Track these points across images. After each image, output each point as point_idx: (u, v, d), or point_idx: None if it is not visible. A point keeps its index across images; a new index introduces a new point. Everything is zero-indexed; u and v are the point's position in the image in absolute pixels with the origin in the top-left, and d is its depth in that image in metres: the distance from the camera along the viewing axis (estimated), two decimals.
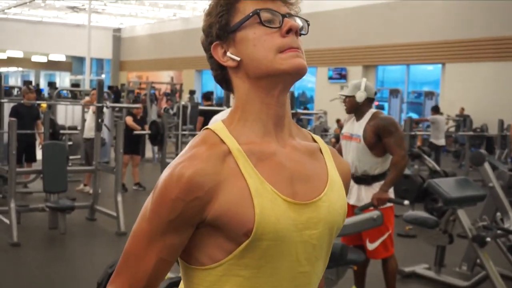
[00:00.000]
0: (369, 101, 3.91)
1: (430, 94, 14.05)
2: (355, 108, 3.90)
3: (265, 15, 1.07)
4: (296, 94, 19.82)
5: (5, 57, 27.93)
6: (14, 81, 31.53)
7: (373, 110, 3.94)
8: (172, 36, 24.50)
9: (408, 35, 15.69)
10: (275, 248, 1.04)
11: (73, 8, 23.14)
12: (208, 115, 9.37)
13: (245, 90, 1.10)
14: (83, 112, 9.07)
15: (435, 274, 4.90)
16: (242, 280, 1.05)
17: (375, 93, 4.00)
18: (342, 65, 17.66)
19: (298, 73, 1.08)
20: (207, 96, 10.36)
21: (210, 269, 1.06)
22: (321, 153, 1.19)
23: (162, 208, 1.03)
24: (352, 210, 3.82)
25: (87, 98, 8.52)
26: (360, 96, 3.82)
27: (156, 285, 1.09)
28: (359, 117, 3.90)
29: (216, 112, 8.98)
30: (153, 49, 25.75)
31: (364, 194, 3.86)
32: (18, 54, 27.46)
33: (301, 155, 1.13)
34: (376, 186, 3.83)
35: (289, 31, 1.07)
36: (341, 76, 17.53)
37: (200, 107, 9.48)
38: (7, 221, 5.64)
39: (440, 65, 16.03)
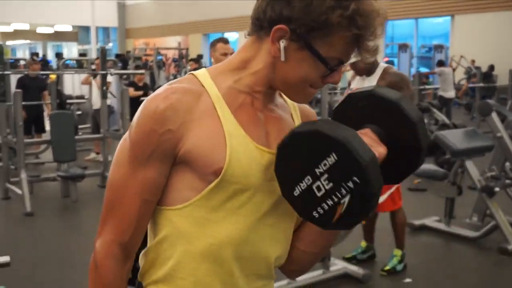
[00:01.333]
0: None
1: (439, 48, 13.83)
2: (365, 68, 3.81)
3: (334, 62, 1.03)
4: None
5: (11, 30, 27.84)
6: (22, 53, 31.53)
7: (383, 65, 3.90)
8: (177, 1, 24.22)
9: None
10: (242, 194, 1.04)
11: None
12: None
13: (263, 58, 1.06)
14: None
15: (445, 226, 4.92)
16: (208, 223, 1.04)
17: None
18: None
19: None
20: (197, 59, 10.31)
21: (178, 209, 1.05)
22: (287, 104, 1.20)
23: (136, 144, 1.03)
24: None
25: (86, 75, 8.48)
26: None
27: (143, 228, 1.08)
28: (369, 72, 3.83)
29: None
30: (158, 15, 25.51)
31: None
32: (24, 26, 27.32)
33: (274, 107, 1.13)
34: None
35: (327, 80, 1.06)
36: None
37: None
38: (19, 191, 5.72)
39: (449, 18, 15.74)
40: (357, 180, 0.94)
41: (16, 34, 29.59)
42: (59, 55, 15.74)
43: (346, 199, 0.95)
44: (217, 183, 1.01)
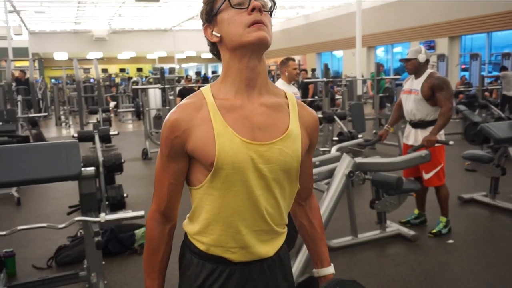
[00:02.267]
0: (426, 62, 3.69)
1: (507, 55, 12.43)
2: (417, 69, 3.67)
3: (235, 1, 1.06)
4: (399, 65, 18.78)
5: (184, 56, 29.70)
6: (191, 72, 33.48)
7: (429, 70, 3.71)
8: (297, 29, 24.21)
9: (486, 7, 13.90)
10: (233, 175, 1.05)
11: None
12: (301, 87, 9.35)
13: (226, 59, 1.10)
14: None
15: (491, 199, 4.48)
16: (215, 198, 1.08)
17: (431, 56, 3.79)
18: (430, 38, 16.20)
19: (260, 43, 1.05)
20: (312, 71, 10.25)
21: (198, 189, 1.11)
22: (288, 107, 1.14)
23: (162, 146, 1.11)
24: (409, 149, 3.68)
25: None
26: (422, 58, 3.64)
27: (174, 204, 1.16)
28: (418, 76, 3.69)
29: (307, 83, 8.95)
30: (283, 40, 25.71)
31: (420, 136, 3.68)
32: (192, 53, 29.03)
33: (265, 109, 1.10)
34: (429, 130, 3.61)
35: (253, 9, 1.04)
36: (430, 47, 16.10)
37: (305, 80, 9.50)
38: None
39: None
40: None
41: (188, 59, 31.50)
42: (214, 73, 16.54)
43: None
44: (213, 171, 1.05)
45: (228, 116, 1.07)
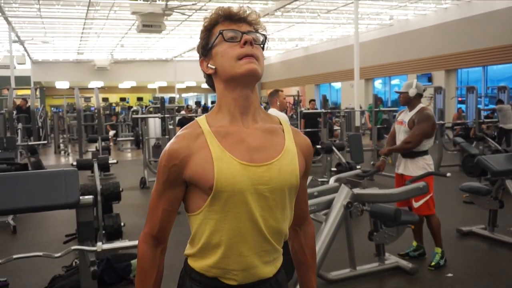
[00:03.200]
0: (418, 96, 3.81)
1: (502, 89, 12.64)
2: (407, 101, 3.82)
3: (228, 34, 1.11)
4: (396, 96, 18.96)
5: (185, 86, 30.04)
6: (191, 102, 33.79)
7: (421, 105, 3.83)
8: (296, 61, 24.61)
9: (482, 41, 14.19)
10: (234, 198, 1.07)
11: None
12: (308, 117, 9.41)
13: (220, 89, 1.15)
14: None
15: (490, 232, 4.45)
16: (215, 222, 1.09)
17: (424, 90, 3.89)
18: (427, 71, 16.46)
19: (250, 74, 1.09)
20: (311, 101, 10.42)
21: (197, 214, 1.12)
22: (283, 132, 1.18)
23: (159, 175, 1.14)
24: (401, 178, 3.82)
25: None
26: (412, 92, 3.77)
27: (167, 228, 1.17)
28: (411, 109, 3.83)
29: (315, 114, 9.08)
30: (283, 72, 26.09)
31: (409, 166, 3.78)
32: (192, 83, 29.37)
33: (260, 133, 1.13)
34: (418, 160, 3.72)
35: (245, 43, 1.09)
36: (428, 79, 16.36)
37: (303, 111, 9.56)
38: None
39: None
40: None
41: (188, 89, 31.83)
42: (213, 102, 16.68)
43: None
44: (213, 194, 1.06)
45: (224, 142, 1.09)
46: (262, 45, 1.15)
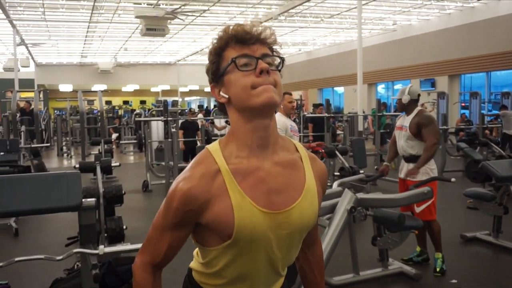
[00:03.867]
0: (413, 101, 3.85)
1: (506, 94, 12.59)
2: (403, 107, 3.88)
3: (241, 61, 1.01)
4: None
5: (187, 90, 30.09)
6: (194, 105, 33.82)
7: (419, 108, 3.88)
8: (299, 65, 24.63)
9: (485, 47, 14.17)
10: (252, 243, 1.02)
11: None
12: (316, 121, 9.36)
13: (235, 119, 1.05)
14: None
15: (494, 238, 4.41)
16: (231, 258, 1.04)
17: (419, 95, 3.91)
18: (430, 76, 16.43)
19: (267, 105, 1.00)
20: (317, 105, 10.37)
21: (209, 250, 1.06)
22: (302, 161, 1.10)
23: (168, 212, 1.04)
24: (404, 183, 3.82)
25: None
26: (405, 99, 3.83)
27: (170, 259, 1.10)
28: (408, 113, 3.88)
29: (321, 118, 9.05)
30: (286, 76, 26.06)
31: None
32: (195, 87, 29.41)
33: (280, 169, 1.05)
34: None
35: (261, 72, 0.99)
36: (431, 84, 16.33)
37: (308, 115, 9.48)
38: None
39: None
40: None
41: (190, 93, 31.89)
42: (216, 106, 16.65)
43: None
44: (230, 242, 1.01)
45: (244, 184, 1.01)
46: (279, 68, 1.05)
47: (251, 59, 1.01)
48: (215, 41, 1.05)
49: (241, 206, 0.99)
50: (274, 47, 1.06)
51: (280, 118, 4.12)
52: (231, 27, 1.04)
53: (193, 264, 1.16)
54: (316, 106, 9.86)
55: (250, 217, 1.00)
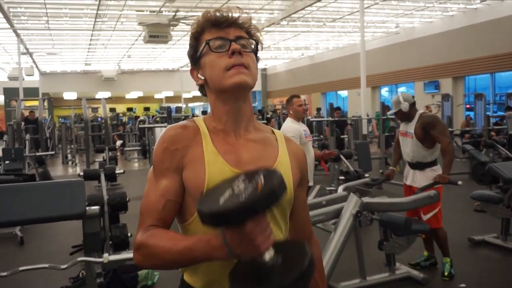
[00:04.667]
0: (412, 105, 3.75)
1: (511, 95, 12.50)
2: (405, 116, 3.77)
3: (215, 44, 1.06)
4: None
5: (191, 96, 30.15)
6: (198, 111, 33.91)
7: (420, 111, 3.78)
8: (302, 69, 24.66)
9: (489, 48, 14.13)
10: None
11: None
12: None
13: (213, 99, 1.12)
14: None
15: (502, 241, 4.37)
16: (204, 230, 0.97)
17: (413, 97, 3.83)
18: (434, 78, 16.39)
19: (240, 87, 1.05)
20: (318, 110, 10.38)
21: (187, 225, 1.07)
22: (277, 141, 1.15)
23: (157, 162, 1.07)
24: (409, 189, 3.74)
25: None
26: (405, 107, 3.71)
27: (169, 219, 1.06)
28: (411, 119, 3.76)
29: (342, 121, 9.05)
30: (289, 80, 26.14)
31: (418, 177, 3.70)
32: (199, 93, 29.37)
33: (253, 144, 1.10)
34: (427, 171, 3.65)
35: (233, 52, 1.04)
36: (435, 87, 16.28)
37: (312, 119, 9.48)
38: None
39: None
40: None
41: (194, 99, 31.94)
42: None
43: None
44: None
45: (218, 145, 1.07)
46: (254, 51, 1.09)
47: (225, 41, 1.05)
48: (194, 25, 1.10)
49: (214, 162, 1.04)
50: (252, 31, 1.10)
51: (292, 125, 3.96)
52: (207, 13, 1.09)
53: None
54: (334, 109, 9.74)
55: (220, 173, 1.02)
